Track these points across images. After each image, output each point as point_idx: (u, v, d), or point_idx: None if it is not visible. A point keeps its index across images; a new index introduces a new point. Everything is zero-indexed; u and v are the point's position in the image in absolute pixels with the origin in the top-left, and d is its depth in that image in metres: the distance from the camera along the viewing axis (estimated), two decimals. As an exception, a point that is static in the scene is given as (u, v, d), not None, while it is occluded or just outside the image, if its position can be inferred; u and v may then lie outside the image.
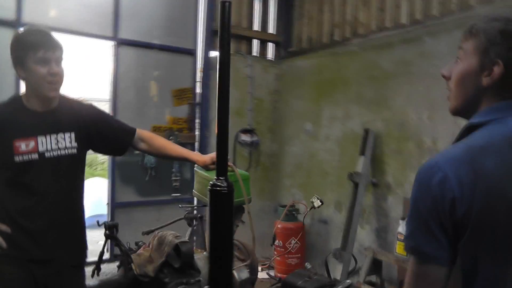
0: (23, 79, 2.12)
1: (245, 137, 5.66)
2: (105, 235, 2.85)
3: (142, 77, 5.23)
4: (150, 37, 5.26)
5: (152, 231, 3.43)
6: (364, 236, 4.60)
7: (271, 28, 6.42)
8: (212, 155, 2.36)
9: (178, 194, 5.43)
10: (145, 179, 5.15)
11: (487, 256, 1.07)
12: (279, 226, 5.05)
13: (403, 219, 3.80)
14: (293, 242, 4.92)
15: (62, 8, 4.68)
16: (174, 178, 5.37)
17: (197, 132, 5.61)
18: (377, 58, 4.68)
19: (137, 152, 3.63)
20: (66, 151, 2.19)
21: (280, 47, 6.42)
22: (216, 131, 1.69)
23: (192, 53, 5.60)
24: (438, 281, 1.09)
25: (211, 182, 1.65)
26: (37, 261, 2.13)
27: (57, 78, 2.10)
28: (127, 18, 5.08)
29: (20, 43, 2.07)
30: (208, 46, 5.67)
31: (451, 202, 1.06)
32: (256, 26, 6.25)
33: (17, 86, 4.39)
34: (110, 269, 3.21)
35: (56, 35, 2.18)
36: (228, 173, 1.69)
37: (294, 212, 5.07)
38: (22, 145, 2.08)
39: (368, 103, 4.71)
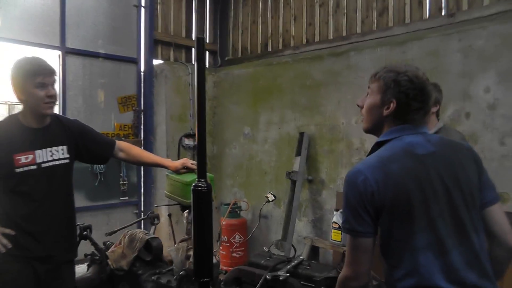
0: (21, 101, 2.40)
1: (188, 141, 6.02)
2: (80, 235, 3.14)
3: (89, 85, 5.43)
4: (95, 47, 5.48)
5: (115, 231, 3.74)
6: (302, 227, 5.16)
7: (208, 38, 6.82)
8: (182, 161, 2.78)
9: (126, 198, 5.71)
10: (95, 184, 5.37)
11: (397, 226, 1.60)
12: (223, 223, 5.48)
13: (336, 210, 4.38)
14: (237, 237, 5.37)
15: (8, 17, 4.78)
16: (122, 182, 5.64)
17: (142, 138, 5.90)
18: (308, 69, 5.25)
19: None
20: (60, 161, 2.49)
21: (217, 56, 6.85)
22: (196, 142, 2.11)
23: (135, 61, 5.89)
24: (368, 248, 1.62)
25: (193, 184, 2.06)
26: (39, 258, 2.42)
27: (53, 99, 2.41)
28: (73, 27, 5.27)
29: (20, 71, 2.35)
30: (150, 55, 5.98)
31: (371, 194, 1.59)
32: (194, 35, 6.63)
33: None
34: (79, 268, 3.47)
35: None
36: (195, 175, 2.09)
37: (237, 210, 5.52)
38: (22, 158, 2.37)
39: (302, 109, 5.27)
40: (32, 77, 2.32)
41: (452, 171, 1.64)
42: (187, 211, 2.80)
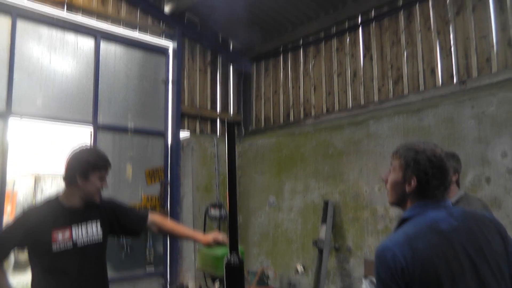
0: (73, 186, 2.59)
1: (214, 212, 6.11)
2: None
3: (118, 159, 5.66)
4: (125, 121, 5.77)
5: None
6: (330, 296, 5.10)
7: (232, 109, 7.10)
8: (213, 235, 2.87)
9: (152, 269, 5.75)
10: (121, 255, 5.45)
11: None
12: (251, 292, 5.45)
13: (365, 277, 4.35)
14: (265, 306, 5.31)
15: (47, 97, 5.15)
16: (148, 253, 5.71)
17: (168, 208, 6.02)
18: (330, 138, 5.40)
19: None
20: (94, 239, 2.64)
21: (241, 127, 7.09)
22: (228, 217, 2.21)
23: (162, 134, 6.14)
24: None
25: (226, 258, 2.15)
26: None
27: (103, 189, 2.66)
28: (105, 103, 5.60)
29: (86, 162, 2.57)
30: (177, 128, 6.22)
31: (401, 270, 1.67)
32: (219, 107, 6.92)
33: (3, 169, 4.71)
34: None
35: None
36: (226, 249, 2.18)
37: (264, 278, 5.50)
38: (59, 235, 2.52)
39: (326, 177, 5.36)
40: (98, 171, 2.58)
41: (477, 245, 1.70)
42: (217, 280, 2.86)
